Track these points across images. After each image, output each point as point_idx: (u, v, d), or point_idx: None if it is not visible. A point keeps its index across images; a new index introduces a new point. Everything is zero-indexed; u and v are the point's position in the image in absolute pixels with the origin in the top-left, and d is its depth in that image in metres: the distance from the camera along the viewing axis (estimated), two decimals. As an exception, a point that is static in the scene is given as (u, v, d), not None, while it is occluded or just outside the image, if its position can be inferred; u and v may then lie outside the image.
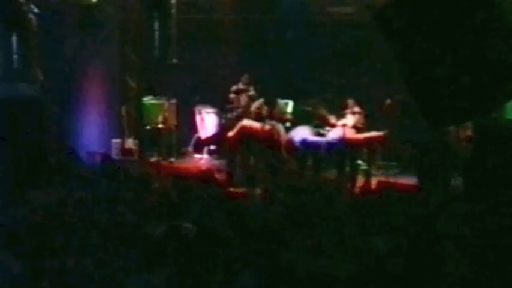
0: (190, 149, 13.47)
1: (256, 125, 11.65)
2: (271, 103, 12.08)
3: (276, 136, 11.60)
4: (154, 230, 6.95)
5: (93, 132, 12.98)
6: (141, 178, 10.17)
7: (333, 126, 11.73)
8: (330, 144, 11.41)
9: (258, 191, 10.20)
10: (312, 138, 11.61)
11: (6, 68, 11.50)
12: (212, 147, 13.39)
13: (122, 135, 13.34)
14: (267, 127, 11.56)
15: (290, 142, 11.65)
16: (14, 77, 11.53)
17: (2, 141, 10.68)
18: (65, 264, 6.45)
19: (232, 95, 12.70)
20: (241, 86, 12.44)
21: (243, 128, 11.68)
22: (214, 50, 13.69)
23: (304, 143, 11.58)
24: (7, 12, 11.23)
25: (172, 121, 13.35)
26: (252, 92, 12.41)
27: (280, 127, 11.75)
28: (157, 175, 10.79)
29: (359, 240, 6.82)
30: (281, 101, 12.09)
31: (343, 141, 11.33)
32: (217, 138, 12.80)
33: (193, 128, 13.52)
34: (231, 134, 11.86)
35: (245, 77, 12.48)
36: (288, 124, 12.07)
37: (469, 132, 10.27)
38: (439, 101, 5.64)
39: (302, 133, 11.73)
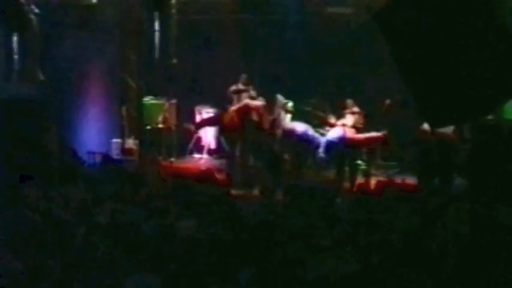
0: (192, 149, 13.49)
1: (258, 102, 11.91)
2: (271, 102, 12.14)
3: (276, 114, 11.76)
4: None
5: (93, 132, 12.98)
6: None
7: (332, 126, 11.75)
8: (330, 143, 11.44)
9: (257, 191, 10.22)
10: (312, 133, 11.71)
11: (6, 68, 11.50)
12: (212, 146, 13.38)
13: (122, 135, 13.34)
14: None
15: (289, 130, 11.78)
16: (14, 77, 11.53)
17: (2, 141, 10.69)
18: (64, 264, 6.45)
19: (231, 95, 12.67)
20: (240, 86, 12.42)
21: (246, 105, 11.90)
22: (214, 50, 13.68)
23: (304, 135, 11.68)
24: (7, 13, 11.24)
25: (172, 121, 13.35)
26: (251, 92, 12.40)
27: (282, 114, 11.85)
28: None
29: (358, 240, 6.83)
30: (280, 96, 12.14)
31: (342, 141, 11.35)
32: (215, 120, 12.81)
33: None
34: (234, 108, 11.99)
35: (243, 77, 12.45)
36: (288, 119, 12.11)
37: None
38: (439, 101, 5.64)
39: (302, 127, 11.83)
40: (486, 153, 9.63)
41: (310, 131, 11.77)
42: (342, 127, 11.55)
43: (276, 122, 11.89)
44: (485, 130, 9.65)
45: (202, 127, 13.21)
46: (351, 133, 11.48)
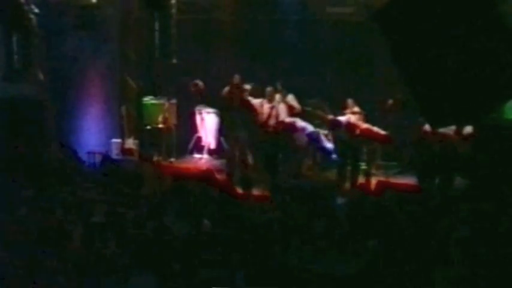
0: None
1: (257, 100, 11.94)
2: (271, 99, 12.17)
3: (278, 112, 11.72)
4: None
5: (93, 132, 12.98)
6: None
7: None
8: (335, 121, 11.40)
9: (257, 191, 10.21)
10: (322, 137, 11.77)
11: (6, 68, 11.50)
12: (212, 146, 13.38)
13: (121, 135, 13.33)
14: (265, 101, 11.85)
15: (293, 125, 11.75)
16: (14, 77, 11.53)
17: (2, 141, 10.70)
18: (64, 263, 6.45)
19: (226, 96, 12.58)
20: (245, 85, 12.31)
21: (247, 101, 11.93)
22: (214, 50, 13.67)
23: (314, 135, 11.72)
24: (7, 12, 11.23)
25: (172, 121, 13.35)
26: (246, 92, 12.33)
27: (282, 108, 11.86)
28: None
29: (358, 240, 6.82)
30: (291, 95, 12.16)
31: (347, 125, 11.31)
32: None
33: (193, 128, 13.50)
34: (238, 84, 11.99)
35: (236, 78, 12.36)
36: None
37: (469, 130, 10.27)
38: (439, 101, 5.64)
39: (312, 127, 11.86)
40: (486, 153, 9.63)
41: (321, 136, 11.87)
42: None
43: (277, 120, 11.88)
44: (485, 130, 9.65)
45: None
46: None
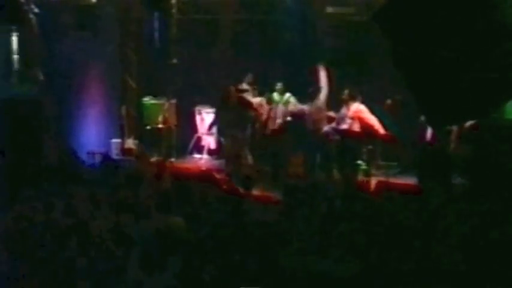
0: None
1: (256, 99, 12.03)
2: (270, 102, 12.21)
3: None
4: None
5: (93, 132, 12.97)
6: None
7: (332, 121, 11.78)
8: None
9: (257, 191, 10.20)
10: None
11: (6, 68, 11.51)
12: (212, 146, 13.37)
13: (122, 135, 13.33)
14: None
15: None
16: (14, 77, 11.53)
17: (2, 141, 10.69)
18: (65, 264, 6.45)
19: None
20: (244, 85, 12.29)
21: (246, 99, 11.92)
22: (214, 50, 13.67)
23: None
24: (7, 12, 11.24)
25: (172, 121, 13.34)
26: (253, 92, 12.34)
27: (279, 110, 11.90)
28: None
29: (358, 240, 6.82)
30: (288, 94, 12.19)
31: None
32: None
33: (193, 128, 13.50)
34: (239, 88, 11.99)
35: (249, 77, 12.33)
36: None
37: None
38: (440, 101, 5.64)
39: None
40: (486, 153, 9.63)
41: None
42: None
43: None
44: (485, 130, 9.66)
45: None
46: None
